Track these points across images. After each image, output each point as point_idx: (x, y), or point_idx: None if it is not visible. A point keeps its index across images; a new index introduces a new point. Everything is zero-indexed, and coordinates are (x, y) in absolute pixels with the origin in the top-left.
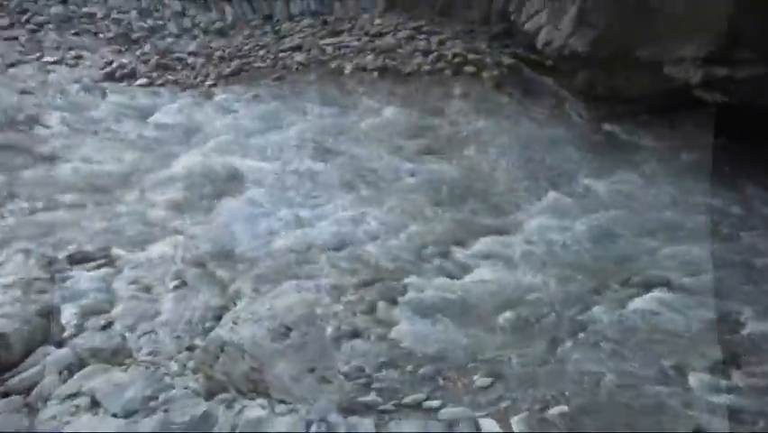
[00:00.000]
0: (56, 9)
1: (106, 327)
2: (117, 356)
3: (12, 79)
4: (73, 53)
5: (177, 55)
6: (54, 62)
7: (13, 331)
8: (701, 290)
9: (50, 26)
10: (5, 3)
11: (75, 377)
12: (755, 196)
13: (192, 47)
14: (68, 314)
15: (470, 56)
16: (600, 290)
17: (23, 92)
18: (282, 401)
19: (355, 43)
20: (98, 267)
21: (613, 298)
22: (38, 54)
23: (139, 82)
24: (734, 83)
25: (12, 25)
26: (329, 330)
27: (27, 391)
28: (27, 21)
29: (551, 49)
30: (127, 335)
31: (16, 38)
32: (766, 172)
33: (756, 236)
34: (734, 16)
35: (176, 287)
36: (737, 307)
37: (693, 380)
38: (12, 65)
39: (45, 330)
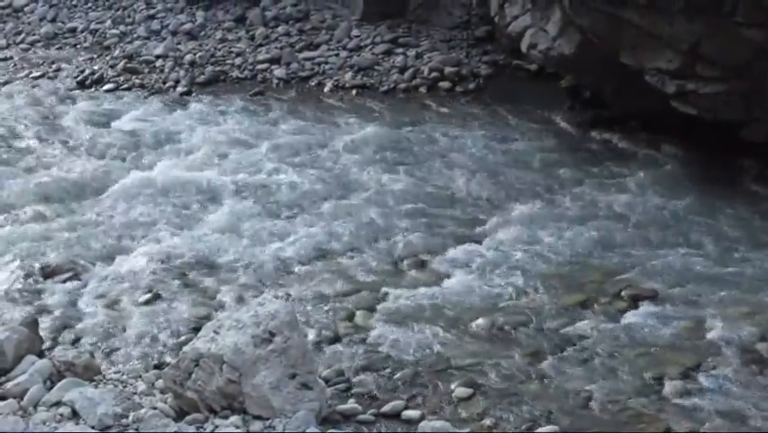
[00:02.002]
0: (45, 28)
1: (75, 342)
2: (88, 372)
3: (4, 97)
4: (54, 66)
5: (144, 58)
6: (39, 77)
7: (5, 339)
8: (682, 300)
9: (40, 44)
10: (2, 26)
11: (56, 387)
12: (726, 207)
13: (159, 50)
14: (45, 327)
15: (447, 69)
16: (587, 302)
17: (11, 108)
18: (258, 417)
19: (334, 59)
20: (66, 280)
21: (600, 310)
22: (27, 71)
23: (106, 87)
24: (700, 97)
25: (8, 46)
26: (311, 336)
27: (21, 395)
28: (21, 41)
29: (536, 51)
30: (95, 351)
31: (11, 57)
32: (735, 183)
33: (730, 246)
34: (695, 37)
35: (147, 301)
36: (709, 314)
37: (668, 387)
38: (5, 83)
39: (31, 340)
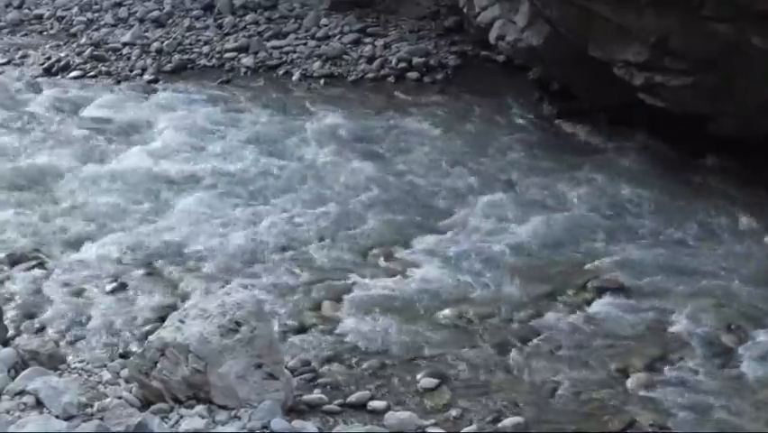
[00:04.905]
0: (12, 15)
1: (40, 330)
2: (52, 361)
3: None
4: (20, 53)
5: (111, 45)
6: (4, 63)
7: None
8: (648, 292)
9: (5, 30)
10: None
11: (20, 376)
12: (693, 200)
13: (127, 37)
14: (9, 315)
15: (415, 60)
16: (553, 293)
17: None
18: (224, 407)
19: (302, 48)
20: (31, 268)
21: (566, 302)
22: None
23: (72, 74)
24: (668, 90)
25: None
26: (277, 325)
27: None
28: None
29: (504, 43)
30: (60, 340)
31: None
32: (703, 176)
33: (696, 238)
34: (663, 30)
35: (112, 290)
36: (674, 306)
37: (633, 378)
38: None
39: None
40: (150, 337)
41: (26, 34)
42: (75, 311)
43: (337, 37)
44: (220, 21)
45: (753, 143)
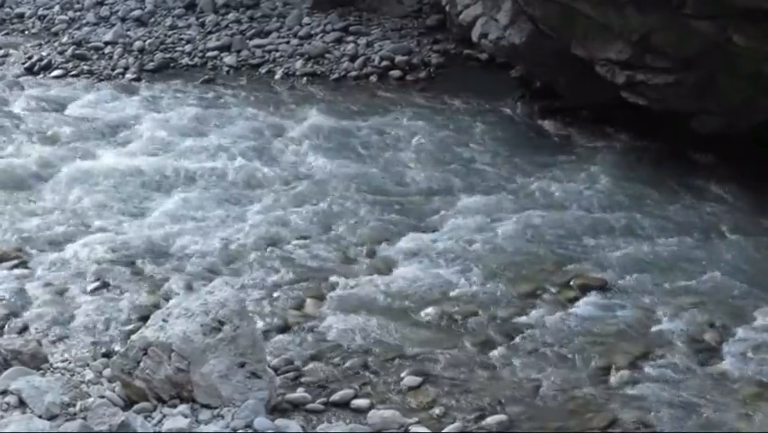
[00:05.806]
0: None
1: (23, 330)
2: (35, 360)
3: None
4: (1, 52)
5: (93, 44)
6: None
7: None
8: (631, 290)
9: None
10: None
11: (2, 376)
12: (675, 198)
13: (109, 36)
14: None
15: (398, 58)
16: (537, 292)
17: None
18: (207, 406)
19: (284, 47)
20: (13, 267)
21: (549, 300)
22: None
23: (54, 74)
24: (650, 88)
25: None
26: (260, 324)
27: None
28: None
29: (487, 41)
30: (42, 339)
31: None
32: (685, 174)
33: (678, 236)
34: (645, 28)
35: (95, 289)
36: (657, 304)
37: (616, 376)
38: None
39: None
40: (133, 337)
41: (7, 33)
42: (57, 310)
43: (320, 36)
44: (202, 19)
45: (737, 141)
